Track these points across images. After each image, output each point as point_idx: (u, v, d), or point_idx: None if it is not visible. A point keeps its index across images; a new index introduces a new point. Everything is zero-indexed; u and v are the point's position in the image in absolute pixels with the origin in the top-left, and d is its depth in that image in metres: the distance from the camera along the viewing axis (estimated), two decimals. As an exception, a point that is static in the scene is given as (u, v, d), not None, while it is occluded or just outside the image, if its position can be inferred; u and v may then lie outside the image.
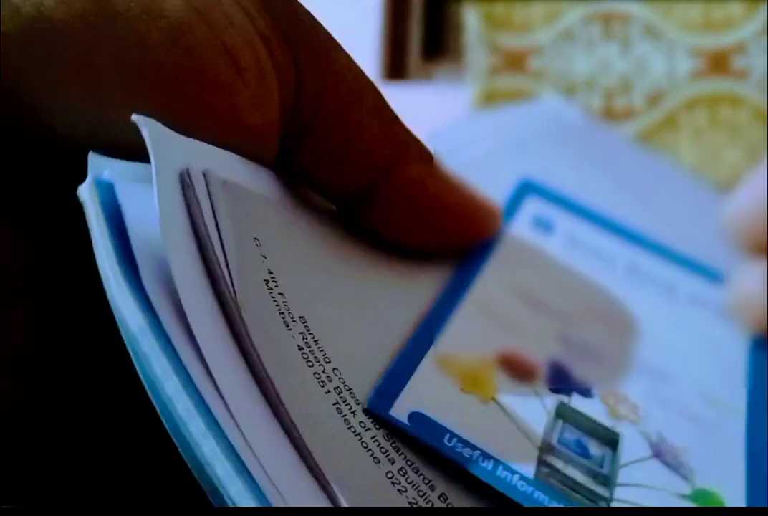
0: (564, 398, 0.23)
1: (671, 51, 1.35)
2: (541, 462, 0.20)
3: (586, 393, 0.24)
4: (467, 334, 0.23)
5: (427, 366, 0.21)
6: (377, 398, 0.20)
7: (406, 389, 0.20)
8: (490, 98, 1.44)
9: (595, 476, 0.21)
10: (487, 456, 0.19)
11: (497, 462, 0.19)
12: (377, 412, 0.19)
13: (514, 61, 1.43)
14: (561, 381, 0.24)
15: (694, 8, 1.33)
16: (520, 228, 0.30)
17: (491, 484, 0.19)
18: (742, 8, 1.30)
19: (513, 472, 0.19)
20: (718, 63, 1.33)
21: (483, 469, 0.19)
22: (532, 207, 0.31)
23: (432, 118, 1.49)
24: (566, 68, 1.41)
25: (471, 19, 1.44)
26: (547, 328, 0.26)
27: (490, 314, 0.25)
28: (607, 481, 0.21)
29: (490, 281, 0.26)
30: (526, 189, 0.33)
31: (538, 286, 0.27)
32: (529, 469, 0.20)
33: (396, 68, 1.57)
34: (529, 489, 0.19)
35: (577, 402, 0.23)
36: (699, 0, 1.32)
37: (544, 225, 0.30)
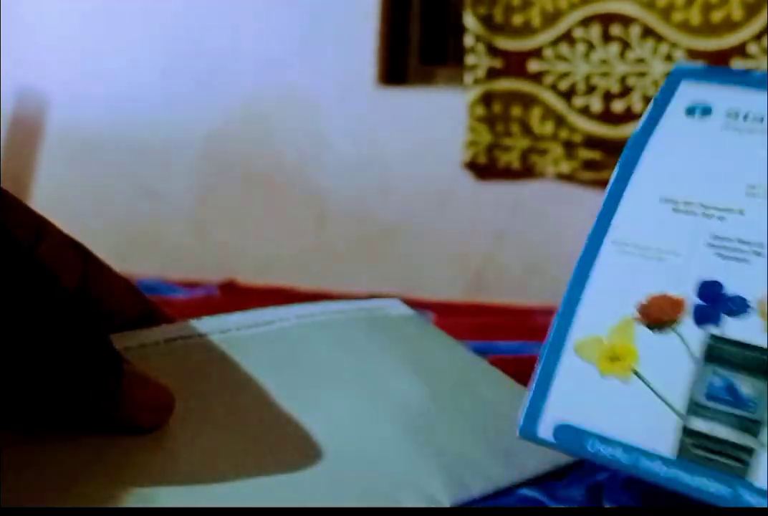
0: (714, 330, 0.23)
1: (670, 53, 1.35)
2: (686, 433, 0.21)
3: (739, 308, 0.23)
4: (609, 287, 0.25)
5: (567, 362, 0.23)
6: (525, 424, 0.22)
7: (550, 400, 0.23)
8: (490, 101, 1.44)
9: (746, 428, 0.21)
10: (627, 448, 0.21)
11: (638, 453, 0.21)
12: (527, 438, 0.23)
13: (514, 64, 1.44)
14: (713, 299, 0.23)
15: (694, 11, 1.33)
16: (674, 120, 0.28)
17: (636, 476, 0.21)
18: (743, 11, 1.30)
19: (654, 458, 0.21)
20: (718, 65, 1.33)
21: (626, 465, 0.21)
22: (685, 95, 0.30)
23: (432, 121, 1.49)
24: (566, 70, 1.41)
25: (470, 23, 1.44)
26: (696, 233, 0.25)
27: (632, 248, 0.25)
28: (758, 427, 0.21)
29: (632, 205, 0.27)
30: (677, 77, 0.31)
31: (686, 185, 0.26)
32: (671, 448, 0.21)
33: (395, 72, 1.57)
34: (672, 472, 0.21)
35: (729, 329, 0.23)
36: (699, 3, 1.32)
37: (700, 110, 0.29)
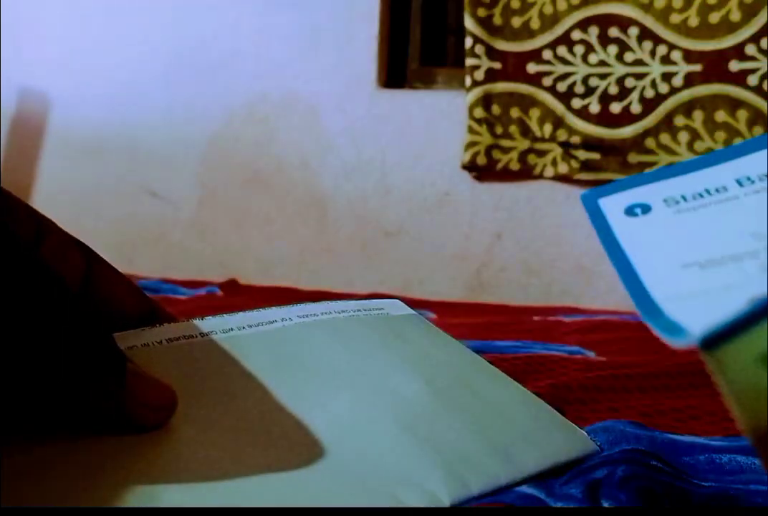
0: None
1: (668, 54, 1.35)
2: None
3: None
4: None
5: None
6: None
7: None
8: (489, 102, 1.44)
9: None
10: None
11: None
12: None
13: (513, 66, 1.44)
14: None
15: (692, 12, 1.34)
16: (617, 222, 0.28)
17: None
18: (741, 12, 1.31)
19: None
20: (716, 66, 1.33)
21: None
22: (613, 207, 0.29)
23: (432, 122, 1.50)
24: (564, 72, 1.41)
25: (470, 25, 1.44)
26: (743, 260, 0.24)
27: (690, 295, 0.24)
28: None
29: None
30: (592, 200, 0.30)
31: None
32: None
33: (396, 74, 1.57)
34: None
35: None
36: (697, 4, 1.33)
37: (639, 209, 0.28)
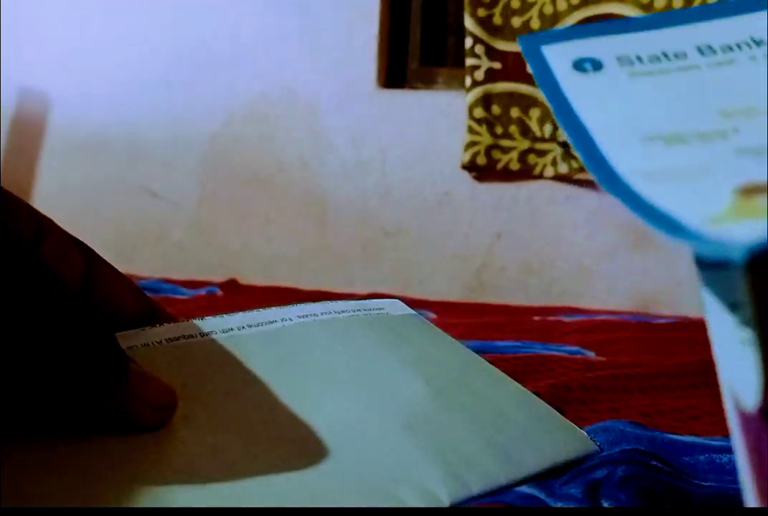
0: None
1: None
2: None
3: None
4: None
5: None
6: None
7: None
8: (489, 102, 1.44)
9: None
10: None
11: None
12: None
13: (513, 66, 1.44)
14: None
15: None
16: (564, 76, 0.25)
17: None
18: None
19: None
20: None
21: None
22: (559, 58, 0.26)
23: (432, 122, 1.50)
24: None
25: (470, 25, 1.44)
26: (715, 152, 0.22)
27: (660, 178, 0.21)
28: None
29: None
30: (532, 46, 0.27)
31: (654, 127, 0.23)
32: None
33: (396, 74, 1.57)
34: None
35: None
36: (697, 4, 1.33)
37: (590, 65, 0.25)
